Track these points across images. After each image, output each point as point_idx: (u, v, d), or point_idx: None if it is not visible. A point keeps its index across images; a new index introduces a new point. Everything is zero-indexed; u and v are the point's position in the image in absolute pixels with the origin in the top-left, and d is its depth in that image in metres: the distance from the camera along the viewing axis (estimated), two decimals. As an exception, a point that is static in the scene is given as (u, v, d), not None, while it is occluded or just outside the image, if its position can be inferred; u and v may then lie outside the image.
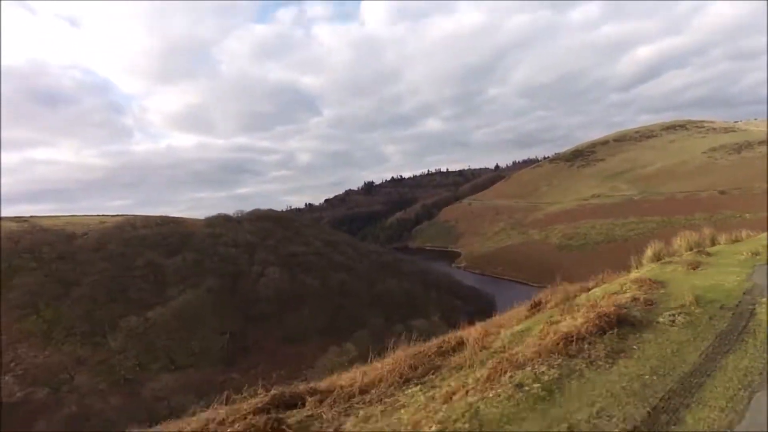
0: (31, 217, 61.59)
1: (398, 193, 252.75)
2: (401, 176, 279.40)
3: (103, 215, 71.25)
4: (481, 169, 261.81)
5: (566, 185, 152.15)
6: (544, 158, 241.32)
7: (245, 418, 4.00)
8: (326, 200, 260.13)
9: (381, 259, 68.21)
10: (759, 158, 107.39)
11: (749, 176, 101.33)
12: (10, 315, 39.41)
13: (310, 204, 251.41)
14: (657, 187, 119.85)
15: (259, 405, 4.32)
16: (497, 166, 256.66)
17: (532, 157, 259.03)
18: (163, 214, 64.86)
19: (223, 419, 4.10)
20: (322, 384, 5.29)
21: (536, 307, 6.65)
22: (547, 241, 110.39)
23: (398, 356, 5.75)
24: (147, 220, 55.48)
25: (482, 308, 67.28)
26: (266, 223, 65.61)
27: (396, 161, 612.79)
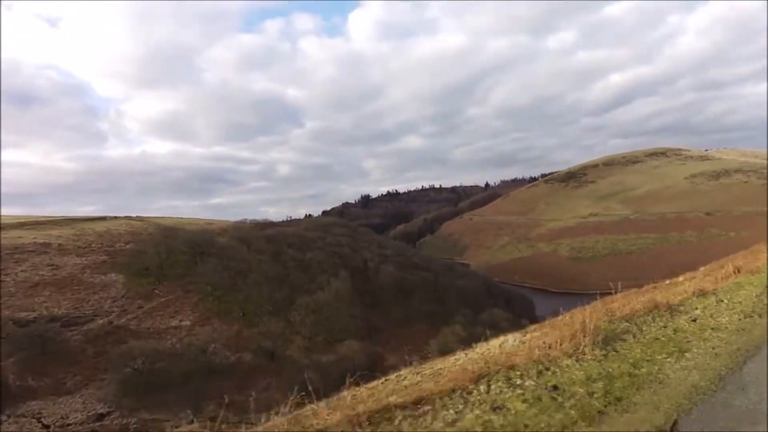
0: (138, 216, 68.23)
1: (394, 206, 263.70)
2: (396, 190, 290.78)
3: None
4: (472, 186, 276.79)
5: (562, 204, 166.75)
6: (531, 178, 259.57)
7: None
8: (324, 212, 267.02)
9: (443, 263, 78.34)
10: (736, 184, 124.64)
11: (729, 200, 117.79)
12: (190, 298, 47.07)
13: (309, 214, 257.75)
14: (647, 208, 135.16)
15: None
16: (487, 185, 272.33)
17: (511, 176, 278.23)
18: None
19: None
20: None
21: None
22: (557, 254, 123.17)
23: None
24: (255, 223, 63.54)
25: (525, 307, 78.17)
26: (342, 229, 74.59)
27: (376, 176, 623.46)
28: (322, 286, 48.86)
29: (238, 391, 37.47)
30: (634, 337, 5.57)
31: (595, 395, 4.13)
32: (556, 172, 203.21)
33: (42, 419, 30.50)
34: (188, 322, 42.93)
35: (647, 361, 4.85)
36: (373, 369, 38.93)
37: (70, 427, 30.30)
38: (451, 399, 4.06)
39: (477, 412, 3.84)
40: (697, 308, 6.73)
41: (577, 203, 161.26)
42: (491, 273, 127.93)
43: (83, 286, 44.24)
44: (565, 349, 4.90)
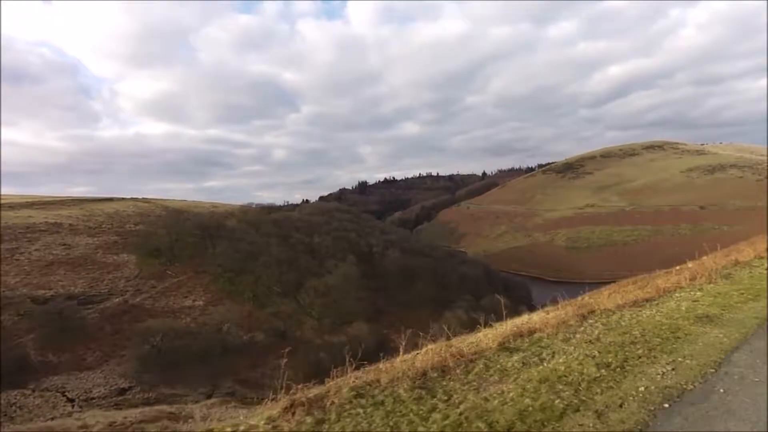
0: (144, 198, 68.61)
1: (391, 193, 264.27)
2: (394, 177, 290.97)
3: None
4: (469, 175, 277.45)
5: (559, 194, 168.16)
6: (528, 168, 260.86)
7: None
8: (321, 197, 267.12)
9: (445, 250, 79.66)
10: (730, 179, 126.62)
11: (723, 195, 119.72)
12: (202, 279, 47.96)
13: (306, 200, 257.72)
14: (643, 200, 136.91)
15: None
16: (484, 173, 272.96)
17: (507, 165, 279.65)
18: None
19: None
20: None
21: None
22: (554, 243, 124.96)
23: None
24: (260, 207, 64.12)
25: (523, 294, 79.82)
26: (346, 215, 75.43)
27: (372, 162, 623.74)
28: (330, 270, 49.93)
29: (252, 369, 38.78)
30: (737, 275, 9.40)
31: (743, 294, 7.81)
32: (552, 163, 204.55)
33: (66, 393, 31.52)
34: (201, 303, 43.90)
35: (757, 284, 8.65)
36: (380, 350, 40.26)
37: (94, 400, 31.34)
38: (640, 307, 7.54)
39: (686, 303, 7.57)
40: (765, 264, 10.37)
41: (574, 194, 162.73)
42: (488, 261, 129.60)
43: (97, 265, 44.93)
44: (703, 280, 8.86)
